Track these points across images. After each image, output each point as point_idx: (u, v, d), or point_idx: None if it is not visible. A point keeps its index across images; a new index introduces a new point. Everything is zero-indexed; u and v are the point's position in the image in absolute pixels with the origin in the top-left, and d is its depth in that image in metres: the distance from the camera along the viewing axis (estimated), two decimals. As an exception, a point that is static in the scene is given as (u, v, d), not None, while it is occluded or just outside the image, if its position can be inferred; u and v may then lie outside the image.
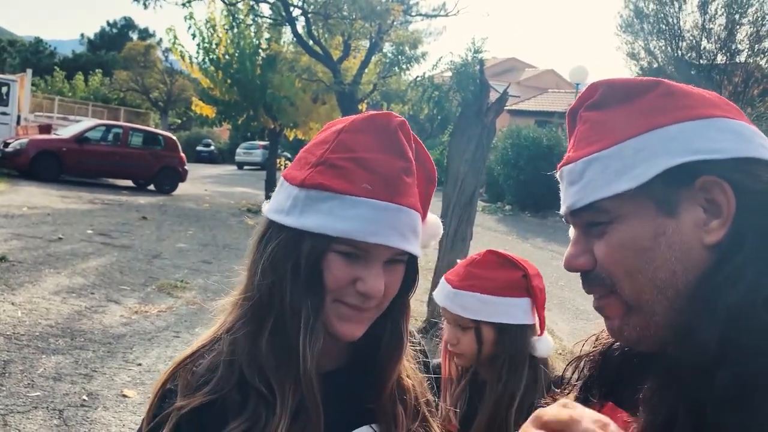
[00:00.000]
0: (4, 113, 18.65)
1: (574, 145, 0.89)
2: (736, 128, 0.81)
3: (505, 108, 6.70)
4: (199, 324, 6.22)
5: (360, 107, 15.04)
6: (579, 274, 0.88)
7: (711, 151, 0.79)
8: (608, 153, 0.83)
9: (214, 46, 16.76)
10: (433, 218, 1.11)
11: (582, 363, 0.99)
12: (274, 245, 0.97)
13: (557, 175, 0.91)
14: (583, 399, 0.94)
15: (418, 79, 14.28)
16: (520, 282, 1.67)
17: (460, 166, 6.31)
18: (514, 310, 1.64)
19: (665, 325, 0.80)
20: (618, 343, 0.94)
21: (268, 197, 1.10)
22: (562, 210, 0.89)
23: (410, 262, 1.03)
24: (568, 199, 0.87)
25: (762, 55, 18.87)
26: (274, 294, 0.97)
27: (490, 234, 15.33)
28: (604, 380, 0.94)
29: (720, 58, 19.15)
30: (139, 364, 5.14)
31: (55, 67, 45.69)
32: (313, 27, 14.27)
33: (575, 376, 1.00)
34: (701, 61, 19.22)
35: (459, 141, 6.44)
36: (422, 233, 1.05)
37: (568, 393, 1.00)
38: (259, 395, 0.96)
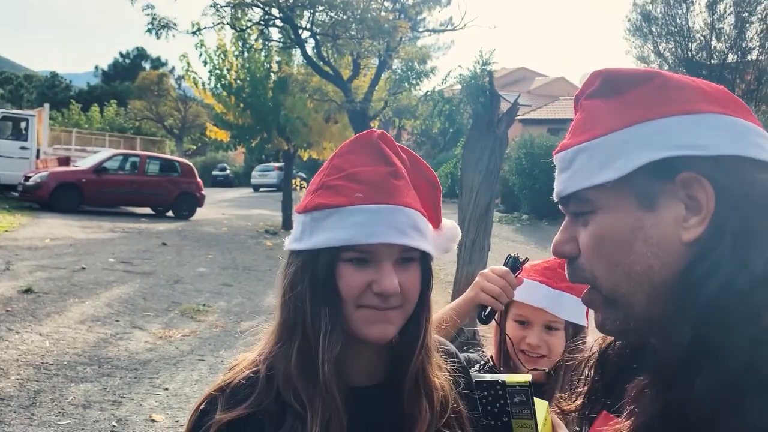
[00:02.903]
0: (23, 147, 19.02)
1: (570, 133, 0.90)
2: (728, 125, 0.80)
3: (517, 117, 6.73)
4: (222, 347, 6.26)
5: (372, 124, 15.14)
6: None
7: (695, 147, 0.78)
8: (597, 143, 0.83)
9: (225, 72, 17.01)
10: (450, 223, 1.18)
11: (585, 369, 1.01)
12: (293, 268, 1.06)
13: (554, 160, 0.92)
14: (586, 408, 0.96)
15: (428, 93, 14.35)
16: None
17: (474, 178, 6.34)
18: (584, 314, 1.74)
19: (644, 319, 0.81)
20: (612, 345, 0.96)
21: (285, 218, 1.18)
22: (554, 196, 0.90)
23: (425, 262, 1.08)
24: (557, 186, 0.89)
25: (774, 52, 18.68)
26: (297, 312, 1.05)
27: (508, 244, 15.25)
28: (600, 385, 0.95)
29: (731, 57, 19.00)
30: (166, 389, 5.20)
31: (71, 100, 46.40)
32: (322, 48, 14.42)
33: (581, 382, 1.01)
34: (712, 61, 19.07)
35: (472, 153, 6.47)
36: (440, 237, 1.13)
37: (575, 401, 1.01)
38: (296, 413, 1.03)
